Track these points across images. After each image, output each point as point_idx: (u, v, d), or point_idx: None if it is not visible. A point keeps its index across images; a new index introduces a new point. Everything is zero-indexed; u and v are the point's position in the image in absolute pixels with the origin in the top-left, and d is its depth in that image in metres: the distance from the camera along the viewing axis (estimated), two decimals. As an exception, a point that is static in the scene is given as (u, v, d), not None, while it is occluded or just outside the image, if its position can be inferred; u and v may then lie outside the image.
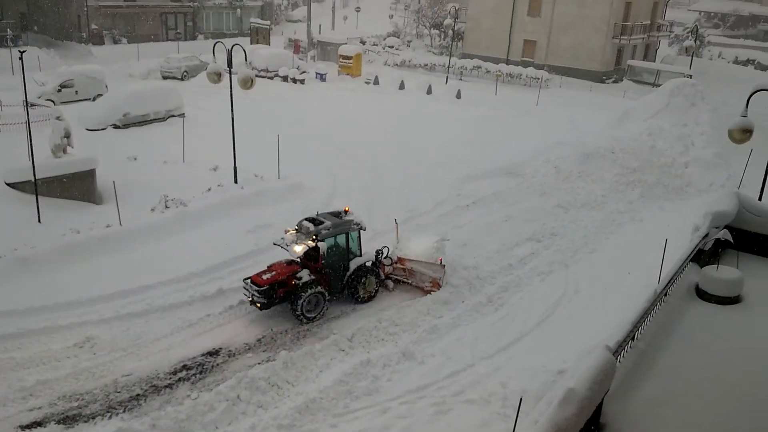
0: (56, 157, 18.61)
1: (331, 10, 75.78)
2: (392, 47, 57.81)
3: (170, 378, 11.82)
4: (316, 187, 21.44)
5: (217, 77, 19.53)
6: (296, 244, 13.82)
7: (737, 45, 70.41)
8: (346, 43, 48.62)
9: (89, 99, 32.09)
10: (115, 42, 52.99)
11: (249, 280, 13.86)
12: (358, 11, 78.45)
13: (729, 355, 7.93)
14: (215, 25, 61.57)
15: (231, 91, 19.85)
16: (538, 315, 14.47)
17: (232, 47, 19.75)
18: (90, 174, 19.14)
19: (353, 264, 14.77)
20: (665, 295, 8.80)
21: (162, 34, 56.83)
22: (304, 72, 42.39)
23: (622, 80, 47.44)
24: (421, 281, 15.60)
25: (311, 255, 14.21)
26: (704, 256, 10.33)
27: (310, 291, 13.74)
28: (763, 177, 16.70)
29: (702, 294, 9.35)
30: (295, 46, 51.82)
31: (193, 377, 11.88)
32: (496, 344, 13.20)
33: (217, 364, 12.29)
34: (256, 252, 16.62)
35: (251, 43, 50.34)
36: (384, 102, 36.46)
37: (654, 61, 52.32)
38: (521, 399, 8.65)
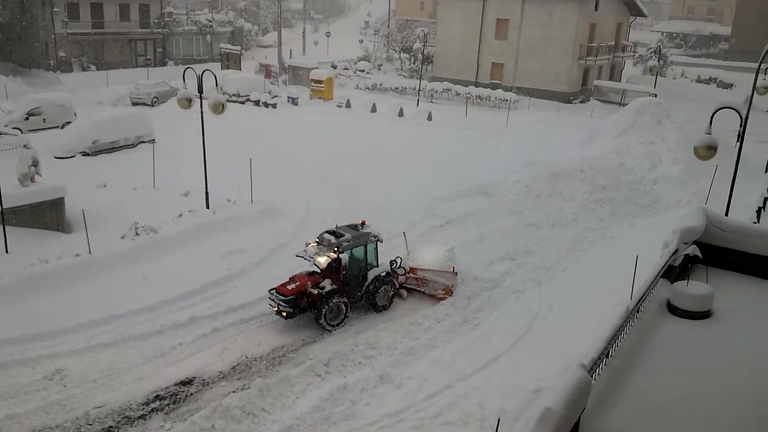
0: (24, 186, 18.28)
1: (302, 35, 76.28)
2: (363, 71, 58.26)
3: (143, 409, 11.57)
4: (290, 210, 21.37)
5: (187, 103, 19.43)
6: (319, 255, 14.46)
7: (699, 64, 72.33)
8: (317, 68, 48.87)
9: (57, 127, 31.65)
10: (84, 69, 52.55)
11: (274, 291, 14.41)
12: (328, 36, 79.09)
13: (702, 370, 8.03)
14: (185, 51, 61.43)
15: (202, 117, 19.77)
16: (513, 334, 14.51)
17: (202, 73, 19.71)
18: (58, 202, 18.82)
19: (371, 274, 15.46)
20: (637, 311, 8.90)
21: (131, 61, 56.49)
22: (276, 96, 42.43)
23: (588, 100, 48.34)
24: (434, 289, 16.31)
25: (332, 266, 14.86)
26: (674, 271, 10.48)
27: (332, 300, 14.45)
28: (728, 192, 17.11)
29: (673, 309, 9.47)
30: (267, 70, 51.92)
31: (167, 407, 11.64)
32: (473, 364, 13.19)
33: (191, 394, 12.07)
34: (230, 278, 16.45)
35: (222, 69, 50.26)
36: (356, 125, 36.63)
37: (619, 81, 53.46)
38: (499, 419, 8.65)
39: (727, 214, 15.54)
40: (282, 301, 14.20)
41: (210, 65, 45.98)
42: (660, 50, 52.34)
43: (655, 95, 36.11)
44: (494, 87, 48.46)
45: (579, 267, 18.57)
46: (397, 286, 16.17)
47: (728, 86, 57.32)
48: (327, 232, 15.20)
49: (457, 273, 16.39)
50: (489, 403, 11.68)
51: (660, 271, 9.80)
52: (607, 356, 7.62)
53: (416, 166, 27.63)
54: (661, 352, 8.40)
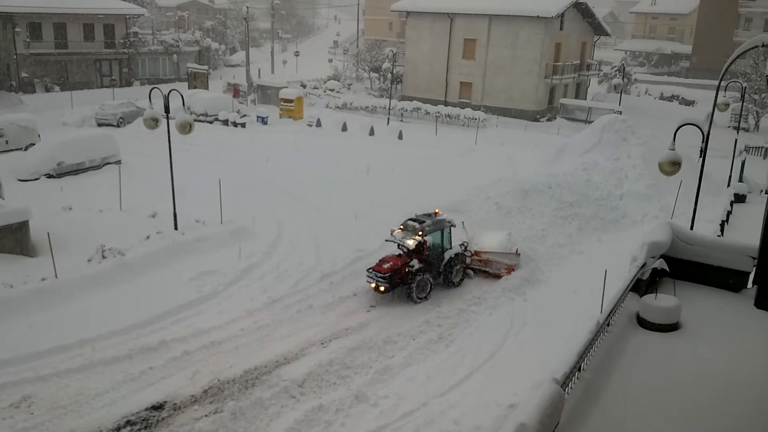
0: (-14, 210, 17.86)
1: (270, 55, 76.39)
2: (333, 90, 58.53)
3: (112, 436, 11.29)
4: (261, 230, 21.24)
5: (154, 123, 19.25)
6: (407, 239, 17.06)
7: (662, 82, 74.28)
8: (286, 87, 48.94)
9: (20, 148, 31.07)
10: (47, 90, 51.75)
11: (372, 270, 16.84)
12: (297, 55, 79.33)
13: (672, 382, 8.16)
14: (151, 70, 60.98)
15: (169, 137, 19.61)
16: (487, 349, 14.59)
17: (169, 92, 19.59)
18: (23, 226, 18.38)
19: (447, 255, 17.87)
20: (608, 325, 9.03)
21: (96, 81, 55.81)
22: (244, 116, 42.32)
23: (555, 118, 49.19)
24: (497, 269, 18.83)
25: (417, 248, 17.15)
26: (643, 285, 10.67)
27: (420, 276, 16.87)
28: (693, 207, 17.53)
29: (643, 322, 9.63)
30: (235, 90, 51.81)
31: (137, 433, 11.38)
32: (449, 381, 13.20)
33: (163, 419, 11.83)
34: (200, 300, 16.23)
35: (189, 88, 50.03)
36: (327, 144, 36.68)
37: (585, 99, 54.56)
38: (475, 436, 8.64)
39: (692, 228, 15.91)
40: (381, 277, 16.55)
41: (177, 85, 45.80)
42: (624, 68, 53.66)
43: (620, 112, 36.92)
44: (463, 106, 49.08)
45: (549, 282, 18.78)
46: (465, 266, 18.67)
47: (690, 103, 58.94)
48: (410, 219, 17.69)
49: (519, 254, 19.06)
50: (465, 420, 11.68)
51: (629, 285, 9.98)
52: (579, 370, 7.70)
53: (387, 184, 27.74)
54: (631, 364, 8.52)
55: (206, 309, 15.88)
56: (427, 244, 17.23)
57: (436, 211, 18.34)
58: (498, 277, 18.68)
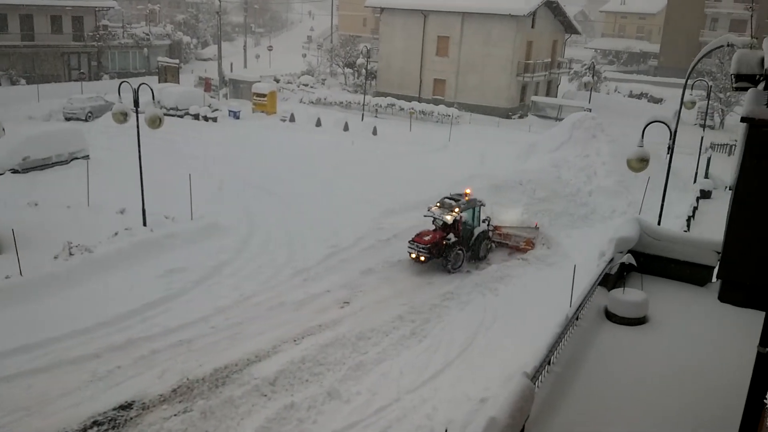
0: (-53, 206, 17.40)
1: (243, 49, 75.69)
2: (307, 85, 58.23)
3: (79, 436, 11.09)
4: (232, 225, 21.03)
5: (123, 117, 18.92)
6: (445, 214, 18.62)
7: (631, 80, 75.38)
8: (259, 81, 48.51)
9: (-16, 143, 30.30)
10: (13, 83, 50.54)
11: (413, 242, 18.67)
12: (270, 50, 78.74)
13: (639, 374, 8.28)
14: (121, 64, 59.96)
15: (138, 131, 19.30)
16: (459, 344, 14.65)
17: (138, 86, 19.27)
18: (-14, 222, 17.97)
19: (476, 231, 19.73)
20: (577, 319, 9.14)
21: (64, 75, 54.64)
22: (216, 110, 41.85)
23: (527, 115, 49.62)
24: (516, 242, 20.78)
25: (453, 223, 18.88)
26: (611, 279, 10.82)
27: (456, 249, 18.78)
28: (660, 203, 17.81)
29: (611, 316, 9.77)
30: (206, 84, 51.22)
31: (105, 433, 11.19)
32: (421, 377, 13.22)
33: (131, 418, 11.64)
34: (169, 297, 15.99)
35: (159, 82, 49.31)
36: (301, 139, 36.47)
37: (556, 97, 55.11)
38: (446, 430, 8.68)
39: (659, 224, 16.16)
40: (422, 248, 18.36)
41: (147, 79, 44.98)
42: (594, 67, 54.26)
43: (590, 110, 37.39)
44: (437, 102, 49.22)
45: (521, 276, 18.94)
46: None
47: (658, 101, 59.90)
48: (446, 197, 19.32)
49: (538, 228, 21.03)
50: (437, 415, 11.71)
51: (597, 280, 10.11)
52: (549, 363, 7.78)
53: (362, 179, 27.69)
54: (600, 357, 8.63)
55: (175, 307, 15.67)
56: (465, 219, 19.34)
57: (467, 191, 19.77)
58: (518, 249, 20.58)
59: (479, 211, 20.08)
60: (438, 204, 19.19)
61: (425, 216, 19.46)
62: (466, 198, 19.46)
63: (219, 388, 12.68)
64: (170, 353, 13.71)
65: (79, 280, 16.34)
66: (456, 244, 18.95)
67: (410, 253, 18.77)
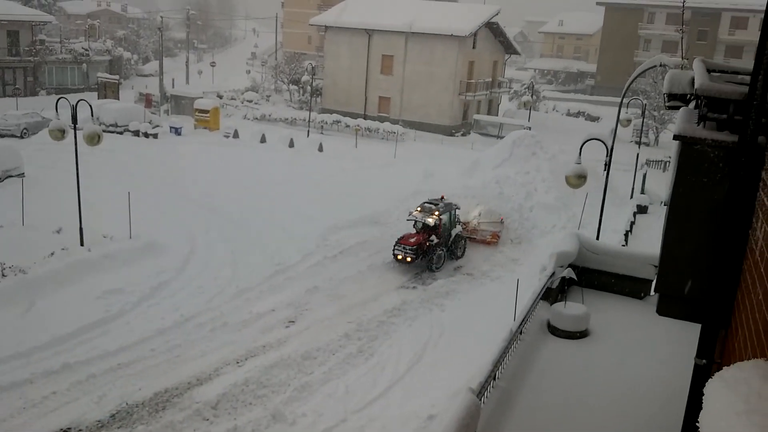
0: None
1: (185, 65, 74.53)
2: (251, 101, 57.74)
3: (9, 468, 10.52)
4: (173, 244, 20.52)
5: (60, 134, 18.33)
6: (427, 217, 20.22)
7: (569, 99, 77.84)
8: (201, 97, 47.83)
9: None
10: (-59, 98, 48.40)
11: (401, 244, 19.87)
12: (213, 66, 77.87)
13: (583, 387, 8.43)
14: (59, 80, 58.19)
15: (76, 148, 18.71)
16: (407, 361, 14.62)
17: (77, 102, 18.72)
18: None
19: (453, 232, 21.34)
20: (520, 333, 9.25)
21: (-2, 90, 52.73)
22: (157, 126, 41.00)
23: (469, 133, 50.50)
24: (483, 236, 22.60)
25: (428, 226, 20.37)
26: (553, 294, 11.02)
27: (438, 250, 20.31)
28: (599, 218, 18.33)
29: (554, 330, 9.94)
30: (147, 99, 50.18)
31: (37, 464, 10.66)
32: (368, 395, 13.12)
33: (66, 447, 11.14)
34: (107, 320, 15.44)
35: (99, 98, 48.04)
36: (245, 155, 36.05)
37: (497, 115, 56.32)
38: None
39: (598, 239, 16.60)
40: (409, 250, 19.66)
41: (86, 95, 43.91)
42: (533, 86, 55.79)
43: (530, 128, 38.25)
44: (382, 120, 49.56)
45: (466, 292, 19.13)
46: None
47: (595, 119, 61.93)
48: (426, 202, 21.07)
49: (503, 222, 23.07)
50: (383, 434, 11.62)
51: (539, 294, 10.27)
52: (494, 379, 7.83)
53: (307, 196, 27.53)
54: (544, 371, 8.75)
55: (113, 329, 15.15)
56: (444, 222, 20.74)
57: (442, 196, 21.69)
58: (486, 243, 22.33)
59: (455, 214, 21.62)
60: (419, 209, 20.78)
61: (408, 220, 21.05)
62: (441, 201, 21.14)
63: (159, 413, 12.28)
64: (108, 377, 13.22)
65: (13, 302, 15.60)
66: (438, 245, 20.33)
67: (396, 255, 19.89)
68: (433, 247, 20.27)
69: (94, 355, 13.89)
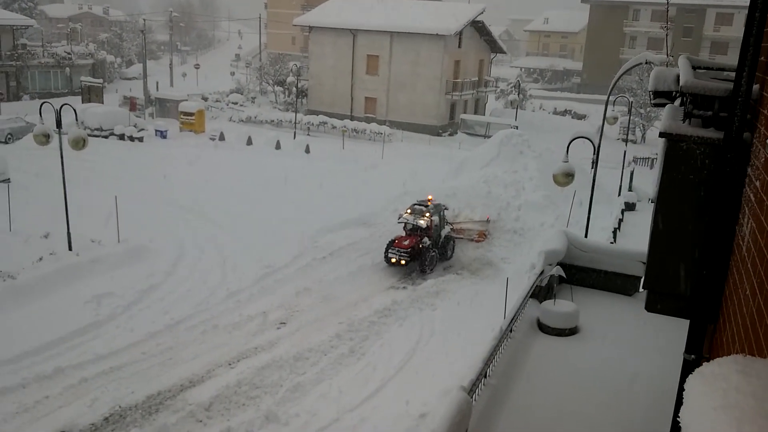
0: None
1: (169, 67, 74.18)
2: (236, 103, 57.54)
3: (1, 475, 10.48)
4: (161, 248, 20.44)
5: (45, 139, 18.23)
6: (419, 219, 20.37)
7: (555, 97, 78.24)
8: (186, 100, 47.61)
9: None
10: None
11: (394, 248, 19.83)
12: (197, 68, 77.46)
13: (573, 384, 8.54)
14: (42, 84, 57.68)
15: (61, 153, 18.60)
16: (398, 360, 14.69)
17: (61, 107, 18.61)
18: None
19: (443, 233, 21.40)
20: (510, 331, 9.34)
21: (-20, 95, 52.14)
22: (142, 129, 40.78)
23: (456, 133, 50.60)
24: (469, 235, 22.68)
25: (418, 228, 20.43)
26: (542, 292, 11.13)
27: (431, 252, 20.25)
28: (587, 216, 18.49)
29: (543, 327, 10.04)
30: (131, 103, 49.88)
31: (29, 470, 10.62)
32: (360, 395, 13.17)
33: (58, 452, 11.10)
34: (97, 324, 15.39)
35: (83, 102, 47.70)
36: (232, 158, 35.95)
37: (484, 115, 56.49)
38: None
39: (586, 236, 16.75)
40: (403, 253, 19.65)
41: (70, 99, 43.45)
42: (519, 85, 55.99)
43: (517, 127, 38.43)
44: (368, 121, 49.56)
45: (456, 291, 19.21)
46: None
47: (582, 117, 62.32)
48: (415, 204, 21.23)
49: (490, 221, 23.28)
50: (376, 433, 11.68)
51: (528, 292, 10.37)
52: (485, 377, 7.91)
53: (295, 197, 27.51)
54: (534, 369, 8.85)
55: (104, 333, 15.10)
56: (435, 224, 20.81)
57: (429, 198, 21.62)
58: (474, 242, 22.45)
59: (444, 215, 21.67)
60: (409, 210, 20.81)
61: (398, 222, 20.95)
62: (429, 203, 21.18)
63: (152, 416, 12.27)
64: (101, 381, 13.19)
65: (2, 308, 15.52)
66: (430, 247, 20.28)
67: (390, 258, 19.84)
68: (426, 249, 20.20)
69: (86, 359, 13.84)
